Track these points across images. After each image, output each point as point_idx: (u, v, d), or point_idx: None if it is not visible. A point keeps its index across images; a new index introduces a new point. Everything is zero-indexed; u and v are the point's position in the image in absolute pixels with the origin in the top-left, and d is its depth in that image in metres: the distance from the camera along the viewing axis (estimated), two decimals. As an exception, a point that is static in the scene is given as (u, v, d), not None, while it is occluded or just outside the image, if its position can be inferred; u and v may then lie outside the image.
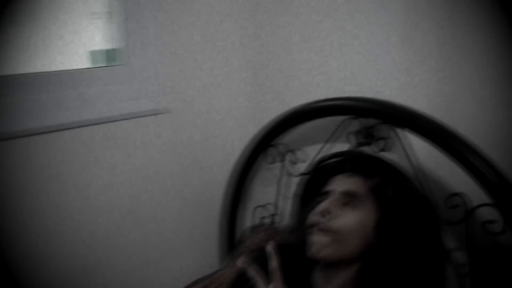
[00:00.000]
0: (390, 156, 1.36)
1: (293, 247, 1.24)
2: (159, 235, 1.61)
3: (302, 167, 1.53)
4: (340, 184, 1.21)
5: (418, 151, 1.31)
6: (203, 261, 1.74)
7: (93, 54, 1.57)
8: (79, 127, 1.38)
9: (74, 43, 1.52)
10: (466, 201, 1.20)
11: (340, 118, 1.41)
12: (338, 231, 1.13)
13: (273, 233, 1.53)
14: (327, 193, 1.22)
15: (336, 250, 1.13)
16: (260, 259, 1.19)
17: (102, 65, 1.56)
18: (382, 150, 1.34)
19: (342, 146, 1.45)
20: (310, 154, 1.52)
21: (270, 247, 1.11)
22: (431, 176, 1.31)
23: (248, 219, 1.74)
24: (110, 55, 1.57)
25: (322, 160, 1.46)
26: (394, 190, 1.19)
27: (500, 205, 1.12)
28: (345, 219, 1.14)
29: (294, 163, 1.57)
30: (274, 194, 1.69)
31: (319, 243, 1.13)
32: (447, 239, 1.27)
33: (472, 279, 1.22)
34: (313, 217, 1.17)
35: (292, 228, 1.33)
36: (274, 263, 1.09)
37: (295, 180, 1.56)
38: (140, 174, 1.54)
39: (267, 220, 1.67)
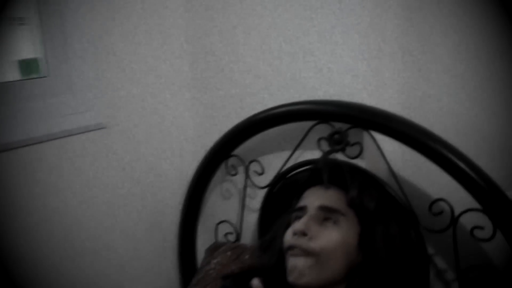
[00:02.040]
0: (364, 162, 1.27)
1: (269, 271, 1.13)
2: (109, 262, 1.44)
3: (268, 178, 1.42)
4: (316, 198, 1.11)
5: (393, 156, 1.23)
6: (162, 286, 1.60)
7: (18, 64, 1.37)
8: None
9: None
10: (451, 207, 1.13)
11: (308, 123, 1.31)
12: (321, 252, 1.02)
13: (240, 252, 1.40)
14: (302, 209, 1.11)
15: (320, 273, 1.03)
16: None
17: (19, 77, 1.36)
18: (357, 156, 1.25)
19: (312, 154, 1.34)
20: (277, 163, 1.41)
21: (256, 283, 1.02)
22: (410, 182, 1.23)
23: (211, 236, 1.61)
24: (30, 66, 1.36)
25: (291, 170, 1.36)
26: (375, 202, 1.10)
27: (489, 209, 1.05)
28: (326, 238, 1.04)
29: (259, 173, 1.45)
30: (238, 208, 1.56)
31: (301, 267, 1.03)
32: (432, 247, 1.20)
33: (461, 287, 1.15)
34: (291, 238, 1.06)
35: (263, 246, 1.20)
36: None
37: (261, 193, 1.44)
38: (79, 199, 1.35)
39: (232, 237, 1.54)
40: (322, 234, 1.04)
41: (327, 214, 1.07)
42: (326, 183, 1.13)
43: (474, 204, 1.07)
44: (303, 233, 1.04)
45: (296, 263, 1.03)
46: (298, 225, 1.06)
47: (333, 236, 1.04)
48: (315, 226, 1.05)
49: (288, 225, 1.13)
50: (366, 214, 1.09)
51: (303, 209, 1.11)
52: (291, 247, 1.05)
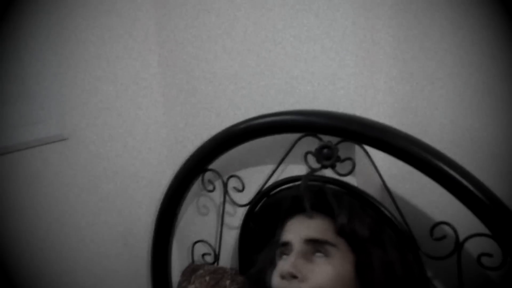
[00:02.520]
0: (356, 180, 1.15)
1: None
2: (77, 285, 1.30)
3: (249, 195, 1.29)
4: (299, 231, 0.99)
5: (388, 174, 1.10)
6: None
7: None
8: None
9: None
10: (455, 231, 1.01)
11: (294, 136, 1.18)
12: None
13: (220, 277, 1.27)
14: (286, 245, 1.00)
15: None
16: None
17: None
18: (348, 173, 1.12)
19: (298, 169, 1.21)
20: (259, 179, 1.27)
21: None
22: (409, 202, 1.11)
23: (187, 256, 1.47)
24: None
25: (275, 187, 1.23)
26: (367, 227, 0.98)
27: (498, 234, 0.94)
28: (319, 276, 0.92)
29: (238, 190, 1.32)
30: (216, 225, 1.43)
31: None
32: (434, 275, 1.08)
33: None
34: (279, 282, 0.94)
35: (251, 280, 1.08)
36: None
37: (241, 210, 1.31)
38: (42, 218, 1.21)
39: (209, 258, 1.40)
40: (313, 272, 0.93)
41: (315, 247, 0.95)
42: (309, 212, 1.00)
43: (481, 228, 0.96)
44: (293, 276, 0.92)
45: None
46: (285, 266, 0.94)
47: (326, 272, 0.93)
48: (304, 265, 0.93)
49: (274, 260, 1.01)
50: (359, 242, 0.97)
51: (287, 245, 0.99)
52: None
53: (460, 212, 0.97)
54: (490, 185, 0.96)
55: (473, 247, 1.00)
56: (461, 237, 1.00)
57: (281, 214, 1.07)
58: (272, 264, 1.01)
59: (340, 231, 0.97)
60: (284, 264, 0.94)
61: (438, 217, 1.04)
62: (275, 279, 0.96)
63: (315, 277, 0.92)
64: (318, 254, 0.95)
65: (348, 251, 0.96)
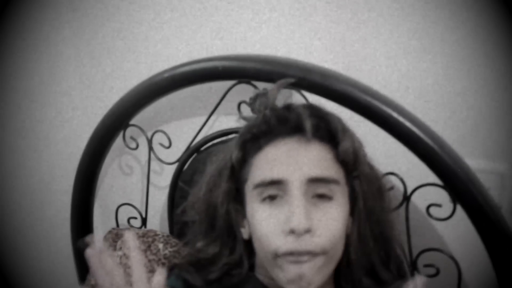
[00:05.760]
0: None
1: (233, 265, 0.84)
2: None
3: (178, 151, 1.16)
4: (298, 166, 0.75)
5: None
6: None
7: None
8: None
9: None
10: (403, 181, 0.94)
11: (226, 84, 1.05)
12: (330, 248, 0.75)
13: (151, 240, 1.14)
14: (277, 184, 0.76)
15: (327, 271, 0.76)
16: None
17: None
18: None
19: (232, 121, 1.10)
20: (188, 134, 1.15)
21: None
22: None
23: (111, 222, 1.33)
24: None
25: (206, 141, 1.11)
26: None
27: (448, 183, 0.88)
28: (330, 226, 0.74)
29: (165, 147, 1.19)
30: (142, 186, 1.30)
31: (310, 275, 0.73)
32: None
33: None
34: (284, 239, 0.73)
35: (210, 236, 0.86)
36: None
37: (169, 170, 1.18)
38: None
39: (136, 222, 1.28)
40: (323, 221, 0.74)
41: (319, 188, 0.76)
42: (309, 133, 0.77)
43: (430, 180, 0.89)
44: (308, 230, 0.73)
45: (302, 272, 0.73)
46: (296, 218, 0.72)
47: (335, 219, 0.75)
48: (313, 213, 0.74)
49: (240, 209, 0.83)
50: (355, 168, 0.80)
51: (277, 184, 0.76)
52: (293, 253, 0.73)
53: (409, 163, 0.90)
54: (440, 132, 0.89)
55: (422, 199, 0.93)
56: (410, 188, 0.93)
57: (245, 141, 0.82)
58: (240, 215, 0.83)
59: (344, 158, 0.79)
60: (294, 216, 0.72)
61: (386, 168, 0.96)
62: (275, 236, 0.74)
63: (327, 226, 0.74)
64: (322, 196, 0.76)
65: (345, 184, 0.80)
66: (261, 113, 0.83)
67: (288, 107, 0.82)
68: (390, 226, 0.84)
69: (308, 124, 0.77)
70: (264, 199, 0.77)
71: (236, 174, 0.82)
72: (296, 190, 0.74)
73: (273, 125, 0.79)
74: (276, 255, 0.74)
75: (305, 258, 0.73)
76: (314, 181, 0.75)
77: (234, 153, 0.81)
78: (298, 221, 0.71)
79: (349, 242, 0.80)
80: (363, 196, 0.79)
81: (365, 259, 0.81)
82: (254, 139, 0.81)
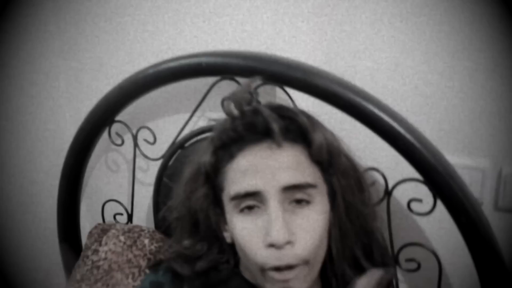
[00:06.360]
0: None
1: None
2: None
3: (162, 147, 1.16)
4: (272, 172, 0.73)
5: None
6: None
7: None
8: None
9: None
10: (385, 177, 0.94)
11: (209, 80, 1.05)
12: (311, 256, 0.74)
13: (136, 236, 1.14)
14: (253, 196, 0.74)
15: (312, 275, 0.77)
16: None
17: None
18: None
19: (216, 117, 1.09)
20: (172, 130, 1.15)
21: None
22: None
23: (98, 218, 1.33)
24: None
25: (190, 137, 1.11)
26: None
27: (429, 178, 0.88)
28: (311, 232, 0.74)
29: (150, 143, 1.19)
30: (127, 183, 1.30)
31: (297, 284, 0.74)
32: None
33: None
34: (266, 253, 0.73)
35: (195, 236, 0.87)
36: None
37: (154, 166, 1.18)
38: None
39: (122, 218, 1.28)
40: (302, 229, 0.73)
41: (296, 194, 0.74)
42: (278, 137, 0.75)
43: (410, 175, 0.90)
44: (289, 242, 0.72)
45: (289, 285, 0.73)
46: (275, 233, 0.70)
47: (315, 223, 0.74)
48: (293, 222, 0.73)
49: (219, 215, 0.82)
50: (331, 165, 0.79)
51: (254, 195, 0.74)
52: (277, 269, 0.73)
53: (390, 159, 0.91)
54: (422, 129, 0.90)
55: (404, 195, 0.94)
56: (391, 183, 0.94)
57: (216, 147, 0.80)
58: (222, 219, 0.82)
59: (319, 157, 0.77)
60: (270, 229, 0.71)
61: (367, 164, 0.96)
62: (257, 251, 0.73)
63: (307, 234, 0.73)
64: (300, 202, 0.74)
65: (323, 183, 0.78)
66: (229, 117, 0.81)
67: (256, 111, 0.78)
68: (371, 218, 0.84)
69: (276, 128, 0.74)
70: (242, 210, 0.75)
71: (212, 179, 0.80)
72: (272, 200, 0.72)
73: (241, 132, 0.77)
74: (263, 269, 0.74)
75: (289, 271, 0.72)
76: (290, 188, 0.73)
77: (206, 159, 0.80)
78: (277, 235, 0.70)
79: (331, 237, 0.80)
80: (342, 190, 0.79)
81: (348, 251, 0.81)
82: (225, 146, 0.79)
